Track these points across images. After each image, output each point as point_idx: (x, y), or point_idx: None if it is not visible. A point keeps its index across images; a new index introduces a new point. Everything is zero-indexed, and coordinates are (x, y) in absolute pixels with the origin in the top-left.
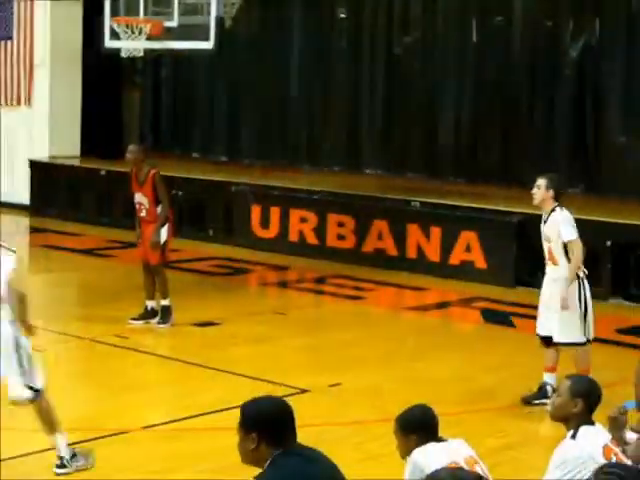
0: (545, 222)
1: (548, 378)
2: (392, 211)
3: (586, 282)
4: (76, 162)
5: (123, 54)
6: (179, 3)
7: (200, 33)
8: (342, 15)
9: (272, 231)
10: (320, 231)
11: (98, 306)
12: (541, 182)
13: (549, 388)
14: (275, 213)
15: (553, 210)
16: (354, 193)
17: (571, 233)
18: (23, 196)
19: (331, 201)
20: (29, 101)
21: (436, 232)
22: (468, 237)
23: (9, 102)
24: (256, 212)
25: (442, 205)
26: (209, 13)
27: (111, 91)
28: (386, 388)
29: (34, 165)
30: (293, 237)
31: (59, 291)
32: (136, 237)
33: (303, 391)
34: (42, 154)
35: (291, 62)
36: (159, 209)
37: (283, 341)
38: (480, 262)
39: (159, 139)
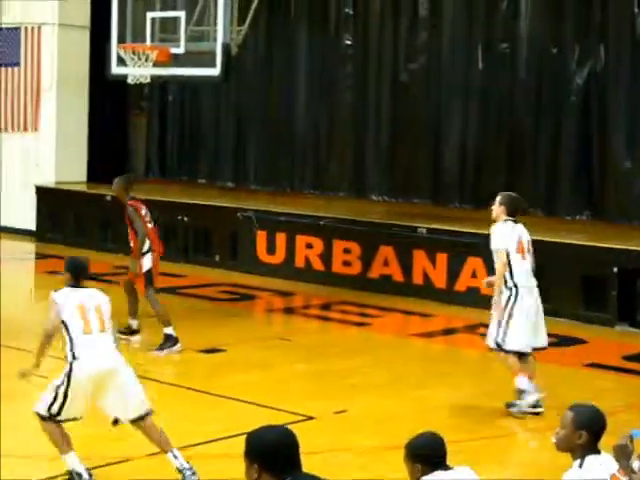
0: None
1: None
2: (398, 237)
3: (524, 295)
4: (82, 188)
5: (130, 80)
6: (186, 30)
7: (206, 60)
8: (348, 41)
9: (278, 257)
10: (326, 257)
11: None
12: (497, 199)
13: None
14: (281, 239)
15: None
16: (360, 219)
17: (496, 242)
18: (29, 222)
19: (337, 227)
20: (36, 127)
21: (442, 258)
22: (474, 263)
23: (16, 128)
24: (262, 238)
25: (448, 231)
26: (215, 40)
27: (117, 117)
28: (392, 415)
29: (40, 191)
30: (299, 263)
31: None
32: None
33: (309, 418)
34: (48, 180)
35: (297, 88)
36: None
37: (288, 367)
38: (487, 288)
39: (165, 165)
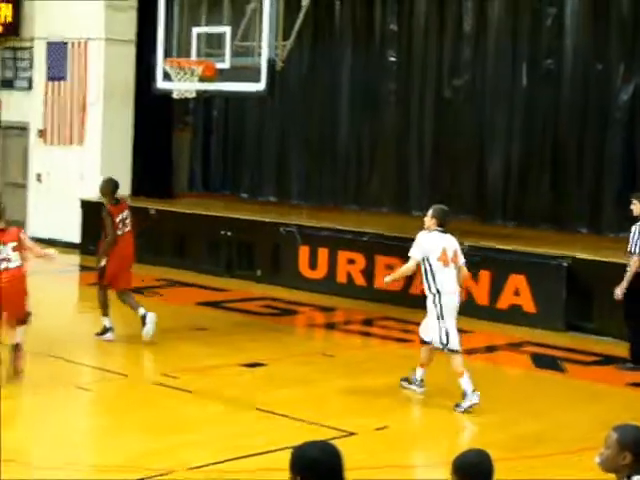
0: None
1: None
2: None
3: (447, 300)
4: (127, 201)
5: (175, 95)
6: (231, 45)
7: (251, 75)
8: (392, 57)
9: (320, 272)
10: (368, 273)
11: (146, 344)
12: (429, 212)
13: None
14: (323, 254)
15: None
16: (402, 235)
17: (412, 251)
18: (74, 234)
19: (379, 243)
20: (81, 140)
21: (485, 275)
22: (517, 281)
23: (62, 141)
24: (304, 253)
25: (491, 249)
26: (260, 55)
27: (162, 131)
28: (433, 432)
29: (85, 204)
30: (341, 278)
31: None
32: None
33: (350, 434)
34: (93, 193)
35: (340, 104)
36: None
37: (330, 383)
38: (529, 306)
39: (208, 179)
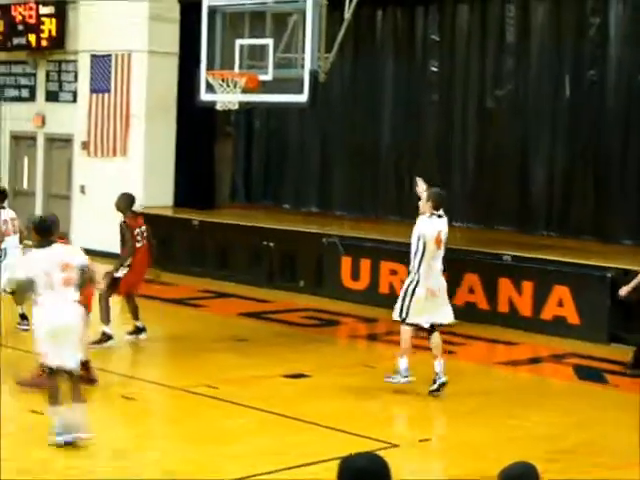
0: None
1: None
2: (483, 265)
3: (429, 278)
4: (169, 212)
5: (218, 107)
6: (274, 57)
7: (294, 86)
8: (434, 68)
9: (362, 283)
10: None
11: (189, 355)
12: (424, 195)
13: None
14: (365, 265)
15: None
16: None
17: (416, 233)
18: (117, 246)
19: None
20: (125, 152)
21: (528, 286)
22: (561, 292)
23: (105, 153)
24: (346, 264)
25: (534, 259)
26: (303, 67)
27: (204, 142)
28: (476, 444)
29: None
30: (383, 289)
31: (150, 340)
32: None
33: (393, 445)
34: (136, 204)
35: (382, 114)
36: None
37: (372, 395)
38: (573, 317)
39: (250, 190)
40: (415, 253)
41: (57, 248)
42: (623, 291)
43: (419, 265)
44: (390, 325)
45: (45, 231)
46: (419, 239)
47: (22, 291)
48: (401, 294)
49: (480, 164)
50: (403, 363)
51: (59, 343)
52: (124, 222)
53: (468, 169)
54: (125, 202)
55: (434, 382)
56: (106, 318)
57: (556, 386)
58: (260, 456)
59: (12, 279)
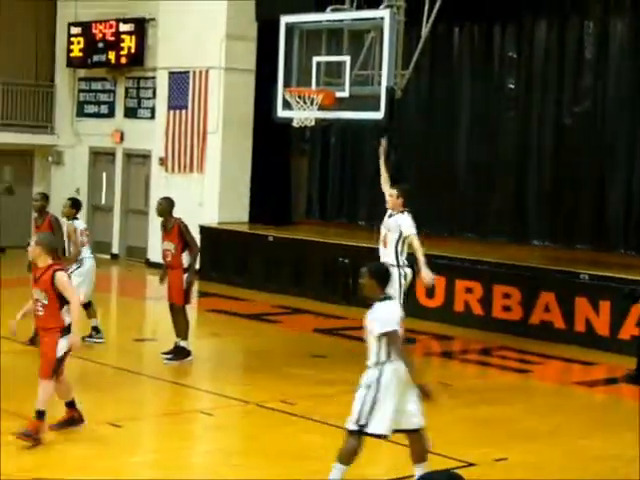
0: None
1: None
2: (560, 283)
3: (408, 271)
4: (244, 228)
5: (295, 124)
6: (350, 74)
7: (370, 103)
8: (511, 85)
9: (437, 301)
10: (486, 302)
11: (264, 371)
12: (394, 192)
13: None
14: (440, 283)
15: (401, 212)
16: (520, 264)
17: (412, 229)
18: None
19: (497, 272)
20: (201, 168)
21: (605, 305)
22: (639, 311)
23: (182, 169)
24: (421, 282)
25: (611, 278)
26: (380, 84)
27: (279, 159)
28: (553, 464)
29: (204, 230)
30: (458, 307)
31: (226, 355)
32: (161, 278)
33: (469, 464)
34: (212, 219)
35: (458, 131)
36: (184, 255)
37: (448, 412)
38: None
39: (325, 207)
40: (399, 247)
41: None
42: None
43: (401, 257)
44: (465, 343)
45: None
46: (405, 237)
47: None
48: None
49: (557, 182)
50: None
51: None
52: (182, 222)
53: (545, 186)
54: (171, 206)
55: None
56: (185, 332)
57: (633, 407)
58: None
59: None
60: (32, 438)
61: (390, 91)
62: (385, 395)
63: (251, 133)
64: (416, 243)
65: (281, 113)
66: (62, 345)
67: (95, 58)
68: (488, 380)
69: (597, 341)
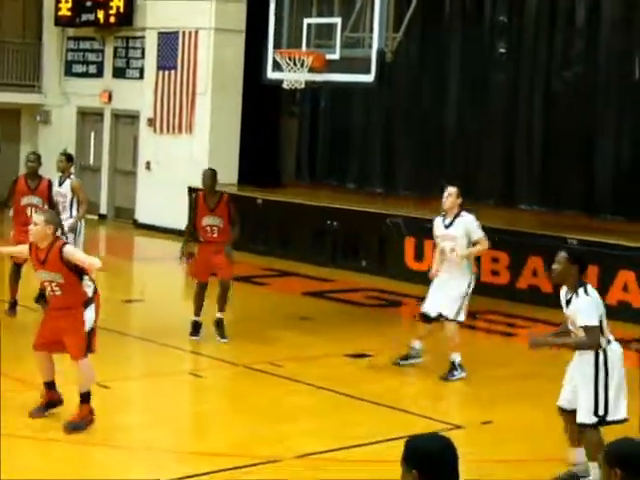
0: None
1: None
2: (548, 248)
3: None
4: (233, 190)
5: (285, 85)
6: (341, 36)
7: (361, 66)
8: (501, 49)
9: (425, 263)
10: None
11: (252, 333)
12: (452, 191)
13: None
14: (429, 246)
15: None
16: (509, 229)
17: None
18: (182, 222)
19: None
20: (190, 129)
21: (593, 271)
22: (626, 277)
23: (171, 130)
24: (410, 244)
25: (599, 243)
26: (370, 46)
27: (269, 121)
28: (538, 426)
29: (193, 191)
30: None
31: (213, 318)
32: (185, 254)
33: (456, 427)
34: (201, 180)
35: (448, 95)
36: (233, 229)
37: (435, 376)
38: (638, 302)
39: (315, 169)
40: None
41: None
42: None
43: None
44: None
45: None
46: (475, 241)
47: None
48: (462, 295)
49: (546, 147)
50: (458, 357)
51: None
52: (228, 196)
53: (534, 151)
54: (215, 178)
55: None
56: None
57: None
58: (321, 434)
59: None
60: (84, 428)
61: (381, 54)
62: (612, 378)
63: (241, 95)
64: (486, 244)
65: (271, 75)
66: (89, 316)
67: (84, 17)
68: (475, 344)
69: None
